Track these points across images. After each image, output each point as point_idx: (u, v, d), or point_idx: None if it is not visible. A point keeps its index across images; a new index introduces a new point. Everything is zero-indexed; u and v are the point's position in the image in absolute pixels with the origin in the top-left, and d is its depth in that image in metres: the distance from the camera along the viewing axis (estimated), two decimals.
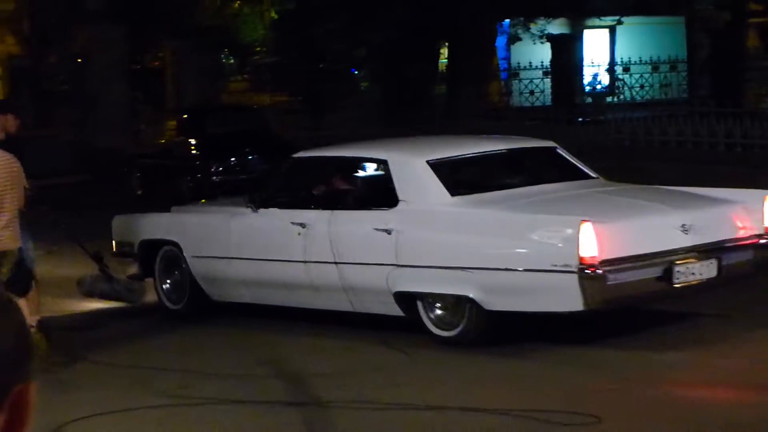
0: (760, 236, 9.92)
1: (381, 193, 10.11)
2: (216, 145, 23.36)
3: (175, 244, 11.53)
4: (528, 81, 35.76)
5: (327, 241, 10.14)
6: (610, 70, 38.98)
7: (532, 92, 35.64)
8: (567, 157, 10.97)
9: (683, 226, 9.44)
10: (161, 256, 11.72)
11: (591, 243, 8.85)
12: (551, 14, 34.47)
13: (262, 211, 10.81)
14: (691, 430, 7.43)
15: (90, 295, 11.57)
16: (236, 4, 37.27)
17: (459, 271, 9.41)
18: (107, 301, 11.60)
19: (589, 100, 36.38)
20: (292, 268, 10.44)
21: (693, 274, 9.44)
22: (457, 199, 9.87)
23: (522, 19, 34.51)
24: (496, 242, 9.35)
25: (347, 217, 10.23)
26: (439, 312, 9.72)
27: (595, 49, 39.06)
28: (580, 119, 29.60)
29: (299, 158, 11.34)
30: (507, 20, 35.19)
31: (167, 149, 23.86)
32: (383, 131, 27.13)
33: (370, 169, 10.82)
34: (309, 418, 8.12)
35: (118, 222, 12.36)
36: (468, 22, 30.94)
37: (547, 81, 35.87)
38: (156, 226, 11.90)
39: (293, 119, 33.77)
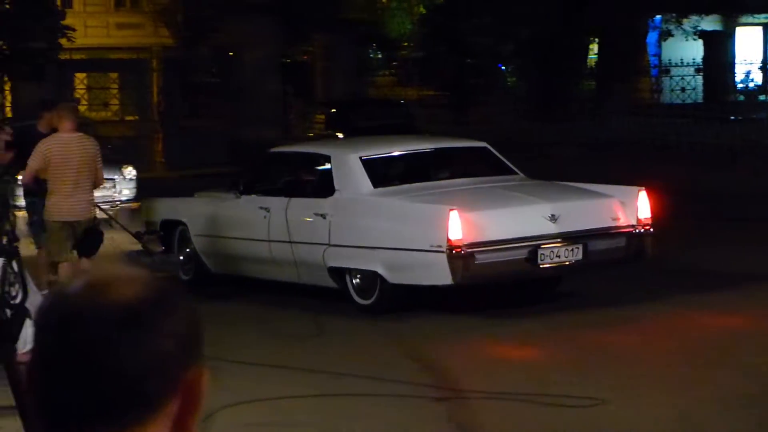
0: (633, 227, 11.29)
1: (324, 184, 11.84)
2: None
3: (185, 224, 13.36)
4: (679, 78, 35.20)
5: (284, 223, 11.93)
6: (763, 68, 38.18)
7: (683, 89, 35.07)
8: (496, 156, 12.56)
9: (552, 215, 10.90)
10: (177, 234, 13.49)
11: (457, 228, 10.45)
12: (704, 11, 33.88)
13: (243, 197, 12.59)
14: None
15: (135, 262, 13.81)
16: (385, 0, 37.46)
17: (370, 250, 11.13)
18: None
19: (742, 98, 35.69)
20: (260, 245, 12.21)
21: (558, 257, 10.88)
22: (378, 189, 11.59)
23: (674, 15, 33.99)
24: (394, 226, 11.02)
25: (298, 203, 11.93)
26: (359, 283, 11.38)
27: (748, 46, 38.31)
28: (732, 117, 29.05)
29: (273, 152, 13.48)
30: (658, 16, 34.69)
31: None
32: (529, 127, 27.00)
33: (321, 163, 12.21)
34: (452, 410, 8.14)
35: (146, 205, 14.57)
36: (619, 18, 30.57)
37: (699, 78, 35.28)
38: (173, 208, 13.80)
39: (439, 114, 33.79)
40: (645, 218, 11.34)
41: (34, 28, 24.52)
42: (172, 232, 13.54)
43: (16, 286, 6.28)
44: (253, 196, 12.49)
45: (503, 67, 38.58)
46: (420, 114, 31.19)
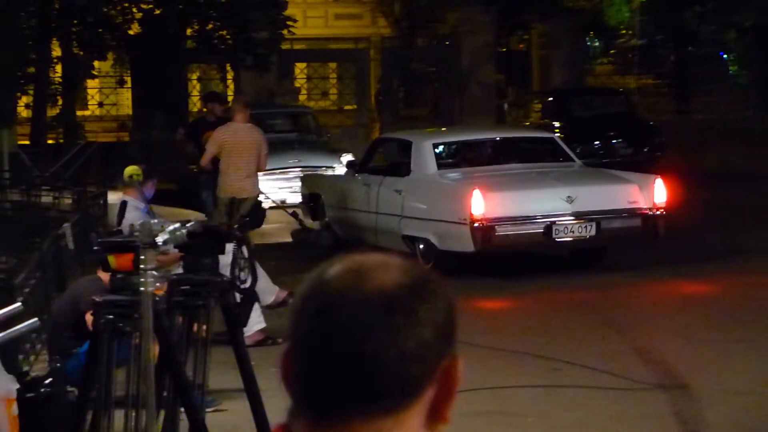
0: (648, 209, 12.98)
1: (404, 165, 14.04)
2: (580, 128, 23.27)
3: (321, 197, 15.85)
4: None
5: (376, 197, 14.14)
6: None
7: None
8: (559, 145, 14.63)
9: (568, 197, 12.78)
10: (320, 205, 15.85)
11: (479, 204, 12.45)
12: None
13: (357, 175, 14.90)
14: None
15: (295, 239, 16.06)
16: None
17: (426, 222, 13.21)
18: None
19: None
20: (364, 215, 14.47)
21: (572, 232, 12.76)
22: (441, 171, 13.83)
23: None
24: (439, 202, 13.22)
25: (386, 181, 14.14)
26: (422, 249, 13.20)
27: None
28: None
29: (379, 138, 17.14)
30: None
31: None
32: (752, 116, 26.27)
33: (407, 148, 14.26)
34: (677, 403, 7.98)
35: (304, 179, 17.13)
36: None
37: None
38: (317, 183, 16.44)
39: (659, 103, 33.18)
40: (660, 202, 12.98)
41: (257, 19, 25.07)
42: (316, 203, 15.96)
43: (246, 271, 6.41)
44: (362, 174, 14.78)
45: (725, 56, 37.63)
46: (639, 103, 30.70)
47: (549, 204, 12.76)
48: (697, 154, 24.90)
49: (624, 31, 39.11)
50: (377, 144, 16.15)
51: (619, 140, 23.26)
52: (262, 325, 10.05)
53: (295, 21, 26.90)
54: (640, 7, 34.88)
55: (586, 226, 12.75)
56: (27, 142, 25.55)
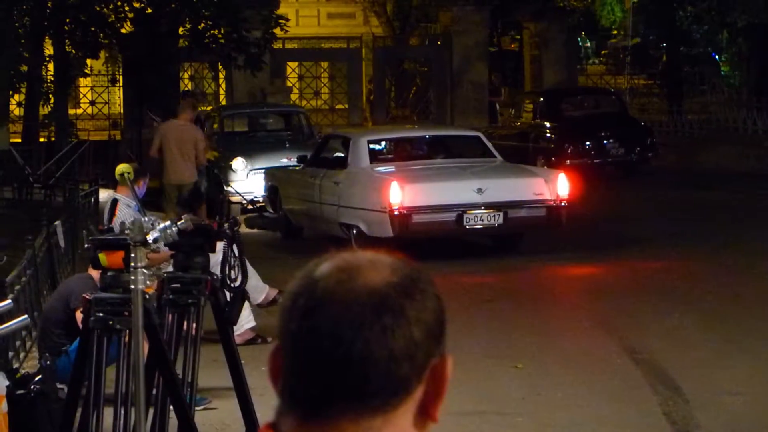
0: (552, 201, 14.28)
1: (343, 160, 15.44)
2: (572, 128, 23.26)
3: (278, 189, 17.11)
4: None
5: (318, 188, 15.41)
6: None
7: None
8: (484, 143, 15.90)
9: (479, 189, 14.16)
10: (278, 196, 17.04)
11: (396, 195, 13.90)
12: None
13: (306, 168, 16.23)
14: None
15: (251, 227, 17.59)
16: None
17: (356, 210, 14.47)
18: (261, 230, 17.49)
19: None
20: (311, 205, 15.67)
21: (482, 220, 14.14)
22: (372, 165, 15.16)
23: None
24: (365, 192, 14.53)
25: (328, 173, 15.41)
26: (355, 235, 14.33)
27: None
28: None
29: (327, 135, 18.32)
30: None
31: (523, 132, 23.94)
32: (744, 117, 26.29)
33: (346, 143, 15.63)
34: (666, 406, 8.00)
35: (266, 173, 17.93)
36: None
37: None
38: (276, 176, 17.50)
39: (651, 103, 33.19)
40: (563, 195, 14.27)
41: (250, 18, 25.02)
42: (275, 195, 17.15)
43: (236, 269, 6.41)
44: (312, 168, 16.00)
45: (717, 56, 37.66)
46: (632, 103, 30.71)
47: (461, 195, 14.16)
48: (688, 155, 24.94)
49: (616, 32, 39.16)
50: (325, 140, 17.46)
51: (611, 140, 23.25)
52: (253, 323, 10.05)
53: (287, 20, 26.85)
54: (633, 7, 34.90)
55: (494, 215, 14.10)
56: (19, 140, 25.52)
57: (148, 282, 5.17)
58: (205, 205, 13.27)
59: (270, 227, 17.35)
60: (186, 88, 29.46)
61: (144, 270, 5.12)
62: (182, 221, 5.62)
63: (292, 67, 32.04)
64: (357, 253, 1.76)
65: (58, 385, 6.94)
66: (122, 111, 29.38)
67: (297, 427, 1.69)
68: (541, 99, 25.03)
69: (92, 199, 17.81)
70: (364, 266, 1.72)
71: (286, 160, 19.22)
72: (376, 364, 1.66)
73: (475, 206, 14.10)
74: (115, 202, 9.63)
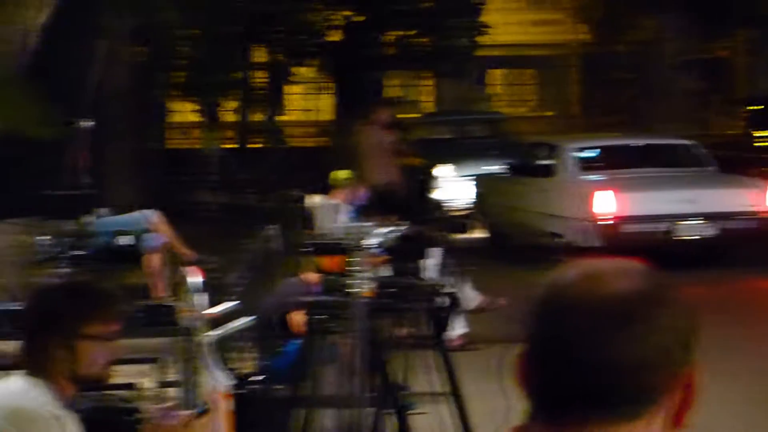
0: (764, 212, 13.89)
1: (552, 168, 15.35)
2: None
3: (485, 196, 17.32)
4: None
5: (525, 196, 15.60)
6: None
7: None
8: (696, 152, 15.43)
9: (690, 199, 13.95)
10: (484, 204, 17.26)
11: (604, 204, 13.85)
12: None
13: (513, 176, 16.38)
14: None
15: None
16: None
17: (563, 219, 14.45)
18: None
19: None
20: (519, 213, 15.84)
21: (692, 231, 13.70)
22: (579, 173, 14.77)
23: None
24: (575, 201, 14.38)
25: (534, 181, 15.39)
26: (563, 243, 14.05)
27: None
28: None
29: (532, 143, 17.59)
30: None
31: (735, 141, 23.38)
32: None
33: (550, 151, 15.65)
34: None
35: (477, 181, 17.80)
36: None
37: None
38: (483, 183, 17.47)
39: None
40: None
41: (456, 26, 25.15)
42: (483, 203, 17.21)
43: (451, 275, 6.47)
44: (518, 176, 15.96)
45: None
46: None
47: (672, 205, 13.89)
48: None
49: None
50: (532, 148, 17.16)
51: None
52: (466, 329, 10.09)
53: (491, 27, 26.88)
54: None
55: (705, 227, 13.75)
56: (235, 146, 26.17)
57: (365, 286, 5.26)
58: (399, 210, 13.27)
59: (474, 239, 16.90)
60: (390, 96, 29.77)
61: (362, 274, 5.21)
62: (405, 227, 5.70)
63: (496, 75, 32.04)
64: (602, 261, 1.77)
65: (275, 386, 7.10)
66: (332, 118, 29.87)
67: (544, 430, 1.71)
68: (756, 108, 24.41)
69: (300, 205, 18.14)
70: (611, 274, 1.72)
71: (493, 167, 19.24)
72: (626, 370, 1.66)
73: (686, 217, 13.80)
74: (330, 208, 9.78)
